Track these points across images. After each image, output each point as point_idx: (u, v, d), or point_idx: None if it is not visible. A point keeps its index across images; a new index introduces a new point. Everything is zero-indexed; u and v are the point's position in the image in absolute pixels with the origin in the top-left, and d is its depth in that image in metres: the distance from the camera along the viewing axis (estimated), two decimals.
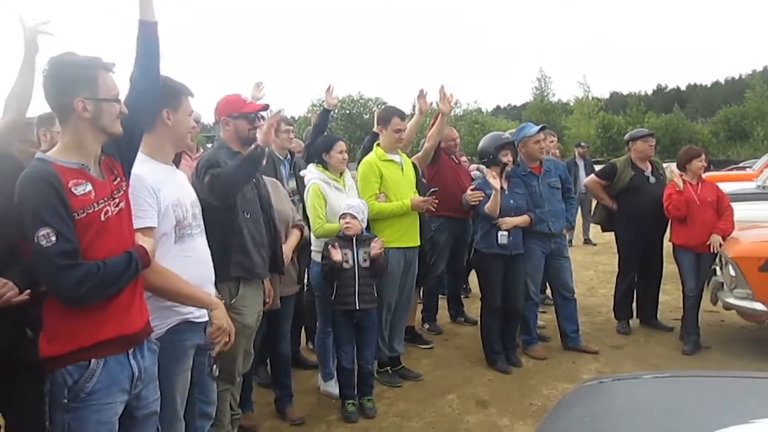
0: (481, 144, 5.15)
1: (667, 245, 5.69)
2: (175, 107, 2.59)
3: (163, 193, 2.46)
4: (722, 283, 5.37)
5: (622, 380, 2.20)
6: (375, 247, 4.10)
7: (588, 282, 8.12)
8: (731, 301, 5.16)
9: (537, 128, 5.32)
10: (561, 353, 5.36)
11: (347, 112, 47.07)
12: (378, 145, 4.74)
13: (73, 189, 2.00)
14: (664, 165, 6.58)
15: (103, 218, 2.06)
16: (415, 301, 5.65)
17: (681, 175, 5.43)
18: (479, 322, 5.25)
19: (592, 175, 6.45)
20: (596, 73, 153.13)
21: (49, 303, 2.06)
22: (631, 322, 6.00)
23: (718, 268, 5.58)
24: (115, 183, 2.17)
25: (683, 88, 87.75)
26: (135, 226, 2.25)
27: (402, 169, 4.70)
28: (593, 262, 9.56)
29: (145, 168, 2.42)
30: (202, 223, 2.69)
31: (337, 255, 3.97)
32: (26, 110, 2.79)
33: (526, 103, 62.45)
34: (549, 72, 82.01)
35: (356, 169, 4.86)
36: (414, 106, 5.24)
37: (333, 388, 4.45)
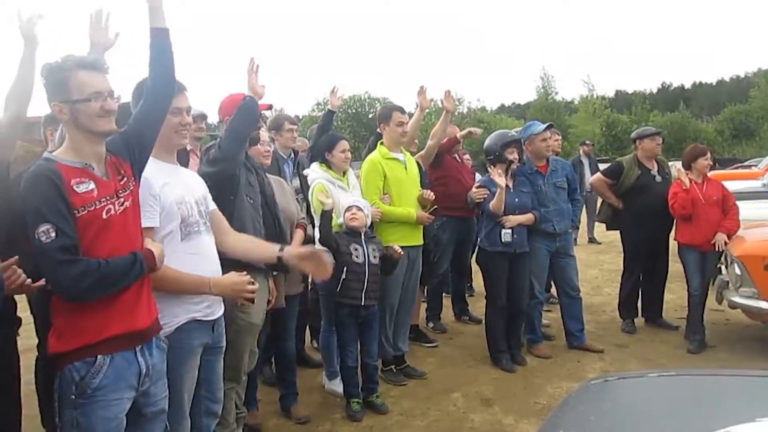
0: (486, 142, 5.15)
1: (673, 244, 5.68)
2: None
3: (165, 192, 2.47)
4: (727, 282, 5.36)
5: (627, 378, 2.20)
6: (395, 249, 4.18)
7: (593, 281, 8.11)
8: (736, 299, 5.14)
9: (543, 126, 5.31)
10: (566, 352, 5.36)
11: (354, 111, 47.00)
12: (382, 143, 4.74)
13: (75, 187, 2.03)
14: (670, 164, 6.56)
15: (105, 216, 2.08)
16: (420, 299, 5.66)
17: (687, 174, 5.42)
18: (484, 321, 5.25)
19: (598, 174, 6.43)
20: (601, 72, 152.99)
21: (56, 300, 2.08)
22: (636, 321, 6.00)
23: (723, 267, 5.57)
24: (122, 183, 2.19)
25: (688, 86, 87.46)
26: None
27: (406, 167, 4.70)
28: (598, 261, 9.55)
29: (147, 168, 2.42)
30: (209, 221, 2.70)
31: (327, 199, 4.02)
32: (27, 105, 2.77)
33: (530, 101, 62.28)
34: (553, 71, 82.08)
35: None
36: (417, 104, 5.25)
37: (338, 386, 4.45)
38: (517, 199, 4.93)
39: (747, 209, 6.14)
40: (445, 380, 4.79)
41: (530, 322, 5.33)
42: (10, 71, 2.72)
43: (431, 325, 6.10)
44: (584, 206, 10.47)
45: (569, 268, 5.41)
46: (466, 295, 6.72)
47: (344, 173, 4.46)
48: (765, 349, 5.29)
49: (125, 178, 2.21)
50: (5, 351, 2.98)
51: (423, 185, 4.86)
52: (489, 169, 4.98)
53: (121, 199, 2.16)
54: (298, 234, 3.96)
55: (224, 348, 2.84)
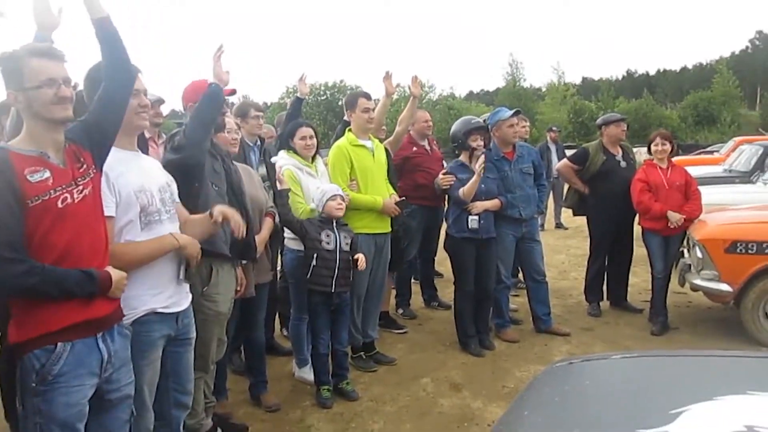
0: (452, 128, 5.17)
1: (637, 229, 5.78)
2: None
3: (122, 181, 2.43)
4: (690, 265, 5.48)
5: (591, 361, 2.23)
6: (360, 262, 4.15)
7: (559, 265, 8.23)
8: (698, 282, 5.27)
9: (510, 112, 5.34)
10: (533, 336, 5.43)
11: (324, 98, 46.65)
12: (350, 130, 4.73)
13: (28, 176, 2.01)
14: (635, 149, 6.67)
15: (60, 205, 2.06)
16: (389, 286, 5.67)
17: (649, 161, 5.53)
18: (453, 306, 5.29)
19: (565, 160, 6.51)
20: (568, 59, 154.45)
21: None
22: (601, 304, 6.10)
23: (685, 251, 5.69)
24: (81, 170, 2.16)
25: (652, 73, 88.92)
26: None
27: (373, 155, 4.69)
28: (565, 246, 9.67)
29: None
30: (173, 209, 2.66)
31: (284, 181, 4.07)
32: None
33: (498, 88, 62.66)
34: (521, 58, 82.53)
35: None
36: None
37: (308, 374, 4.45)
38: (483, 186, 4.94)
39: (709, 194, 6.29)
40: (415, 366, 4.82)
41: (498, 307, 5.37)
42: None
43: (401, 311, 6.13)
44: (551, 192, 10.62)
45: (535, 253, 5.47)
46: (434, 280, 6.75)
47: (313, 160, 4.44)
48: (725, 330, 5.44)
49: (84, 166, 2.18)
50: None
51: (390, 174, 4.85)
52: (462, 156, 5.01)
53: (80, 187, 2.13)
54: (267, 222, 3.93)
55: (193, 339, 2.81)
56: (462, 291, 5.08)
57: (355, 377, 4.51)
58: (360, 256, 4.15)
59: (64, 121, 2.13)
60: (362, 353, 4.81)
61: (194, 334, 2.81)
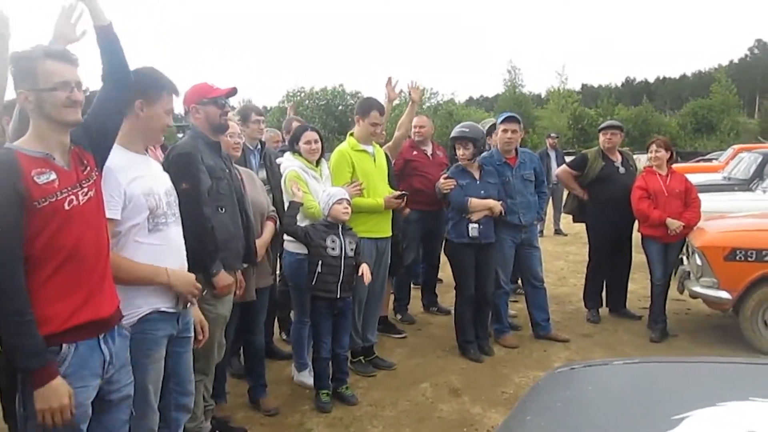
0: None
1: (636, 235, 5.79)
2: (150, 100, 2.56)
3: (132, 184, 2.44)
4: (689, 273, 5.49)
5: (592, 366, 2.23)
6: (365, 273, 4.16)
7: (558, 272, 8.23)
8: (697, 289, 5.27)
9: (502, 117, 5.37)
10: (532, 342, 5.43)
11: (324, 103, 46.55)
12: (352, 134, 4.74)
13: (35, 178, 2.01)
14: (635, 156, 6.68)
15: (67, 207, 2.06)
16: (389, 291, 5.67)
17: (648, 168, 5.54)
18: (453, 311, 5.28)
19: (564, 165, 6.53)
20: (568, 66, 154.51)
21: None
22: (600, 310, 6.10)
23: (685, 258, 5.70)
24: (85, 173, 2.17)
25: (652, 81, 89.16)
26: None
27: (374, 160, 4.70)
28: (564, 252, 9.68)
29: (114, 158, 2.39)
30: (177, 211, 2.67)
31: (299, 192, 4.10)
32: (2, 98, 2.72)
33: (498, 94, 62.68)
34: (522, 64, 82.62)
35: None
36: (386, 96, 5.26)
37: (307, 378, 4.45)
38: (483, 191, 4.94)
39: (708, 201, 6.29)
40: (414, 371, 4.81)
41: (497, 313, 5.37)
42: None
43: (399, 316, 6.12)
44: (551, 198, 10.63)
45: (534, 259, 5.47)
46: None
47: (317, 164, 4.45)
48: (724, 337, 5.44)
49: (88, 168, 2.19)
50: None
51: (391, 178, 4.86)
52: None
53: (85, 189, 2.14)
54: (269, 226, 3.93)
55: (192, 338, 2.81)
56: (462, 296, 5.08)
57: (354, 382, 4.50)
58: (364, 267, 4.15)
59: (73, 125, 2.14)
60: (361, 358, 4.81)
61: (193, 333, 2.81)
